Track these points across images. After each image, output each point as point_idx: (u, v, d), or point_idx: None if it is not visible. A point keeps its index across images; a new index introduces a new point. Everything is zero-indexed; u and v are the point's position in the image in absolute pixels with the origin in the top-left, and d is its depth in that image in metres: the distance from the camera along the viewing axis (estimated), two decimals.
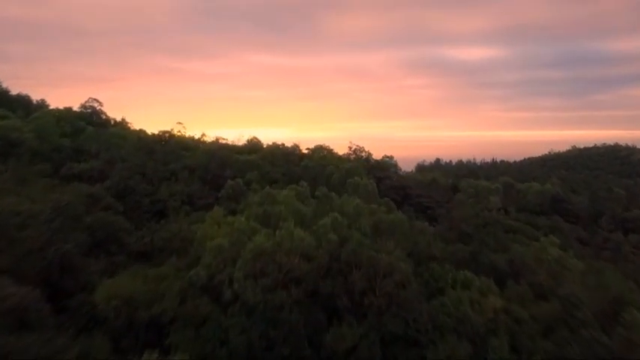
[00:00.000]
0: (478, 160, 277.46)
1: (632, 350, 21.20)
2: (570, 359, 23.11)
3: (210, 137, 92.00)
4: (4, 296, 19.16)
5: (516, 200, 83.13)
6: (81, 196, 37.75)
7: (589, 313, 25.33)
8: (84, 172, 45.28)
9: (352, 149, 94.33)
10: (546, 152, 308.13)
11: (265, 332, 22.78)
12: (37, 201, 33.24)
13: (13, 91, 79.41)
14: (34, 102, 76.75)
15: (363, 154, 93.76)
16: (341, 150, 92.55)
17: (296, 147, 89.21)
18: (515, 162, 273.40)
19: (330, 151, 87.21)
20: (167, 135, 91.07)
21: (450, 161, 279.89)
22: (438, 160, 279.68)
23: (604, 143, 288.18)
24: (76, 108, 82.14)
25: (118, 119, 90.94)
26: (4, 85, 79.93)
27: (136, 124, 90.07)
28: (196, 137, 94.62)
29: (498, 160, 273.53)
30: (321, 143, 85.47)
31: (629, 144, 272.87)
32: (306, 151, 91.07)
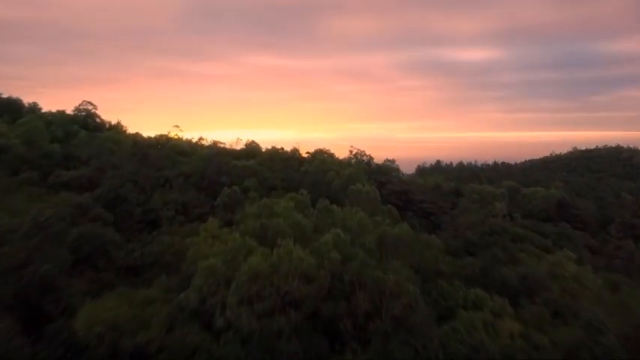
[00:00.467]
0: (479, 162, 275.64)
1: None
2: None
3: (208, 141, 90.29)
4: None
5: (521, 206, 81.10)
6: (67, 207, 35.67)
7: (614, 338, 23.28)
8: (73, 180, 43.17)
9: (353, 153, 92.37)
10: (547, 154, 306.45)
11: None
12: (19, 213, 31.19)
13: (13, 94, 77.42)
14: (26, 105, 74.62)
15: (364, 158, 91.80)
16: (341, 152, 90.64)
17: (295, 151, 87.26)
18: (516, 164, 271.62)
19: (330, 155, 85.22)
20: (164, 138, 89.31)
21: (451, 163, 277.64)
22: (438, 162, 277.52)
23: (605, 145, 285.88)
24: (69, 111, 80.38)
25: (114, 122, 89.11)
26: None
27: (135, 125, 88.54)
28: (194, 141, 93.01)
29: (499, 162, 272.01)
30: (321, 144, 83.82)
31: (631, 145, 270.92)
32: (306, 155, 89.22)
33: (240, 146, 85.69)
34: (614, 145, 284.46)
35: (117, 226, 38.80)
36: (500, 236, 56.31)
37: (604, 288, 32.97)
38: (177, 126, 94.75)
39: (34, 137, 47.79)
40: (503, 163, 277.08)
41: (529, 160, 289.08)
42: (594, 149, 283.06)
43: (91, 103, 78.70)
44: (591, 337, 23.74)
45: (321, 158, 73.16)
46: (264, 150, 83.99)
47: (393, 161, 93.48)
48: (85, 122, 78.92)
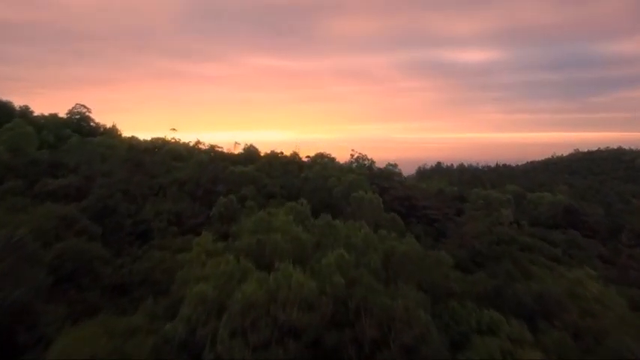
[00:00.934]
0: (479, 164, 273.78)
1: None
2: None
3: (205, 144, 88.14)
4: None
5: (527, 212, 78.89)
6: (51, 219, 33.36)
7: None
8: (60, 189, 40.87)
9: (354, 157, 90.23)
10: (548, 155, 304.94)
11: None
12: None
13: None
14: (18, 109, 72.35)
15: (366, 162, 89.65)
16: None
17: (295, 155, 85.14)
18: (517, 166, 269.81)
19: (331, 160, 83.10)
20: (160, 142, 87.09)
21: (452, 165, 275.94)
22: (439, 164, 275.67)
23: (607, 147, 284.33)
24: (63, 114, 78.17)
25: (109, 125, 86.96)
26: None
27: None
28: (191, 144, 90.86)
29: (501, 163, 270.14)
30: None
31: (632, 147, 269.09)
32: (306, 159, 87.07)
33: (238, 150, 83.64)
34: (615, 147, 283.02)
35: (105, 238, 36.56)
36: (509, 246, 54.10)
37: (626, 307, 30.78)
38: (174, 129, 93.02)
39: (20, 143, 45.51)
40: (504, 165, 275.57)
41: (530, 162, 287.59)
42: (596, 151, 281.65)
43: (85, 106, 76.54)
44: None
45: (322, 163, 70.88)
46: (263, 154, 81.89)
47: (395, 165, 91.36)
48: (79, 126, 76.78)
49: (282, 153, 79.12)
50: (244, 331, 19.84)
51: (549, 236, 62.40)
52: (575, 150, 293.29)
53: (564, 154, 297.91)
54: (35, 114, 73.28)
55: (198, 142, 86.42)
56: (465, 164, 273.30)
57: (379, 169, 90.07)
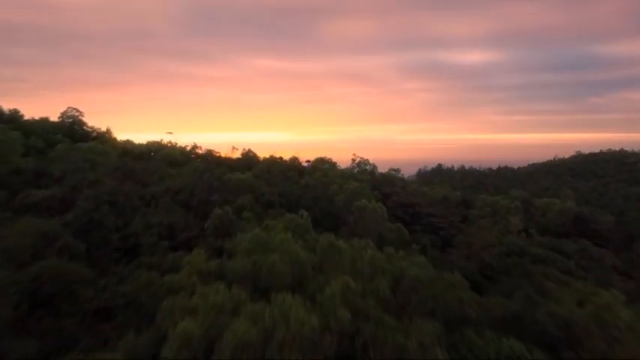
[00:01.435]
0: (480, 166, 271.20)
1: None
2: None
3: (202, 148, 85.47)
4: None
5: (535, 219, 76.16)
6: (29, 236, 30.69)
7: None
8: (44, 200, 38.20)
9: (356, 161, 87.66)
10: (549, 157, 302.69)
11: None
12: None
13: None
14: (7, 112, 69.64)
15: (368, 166, 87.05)
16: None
17: (295, 159, 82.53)
18: (519, 168, 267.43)
19: (332, 165, 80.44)
20: (155, 146, 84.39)
21: (452, 166, 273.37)
22: (439, 166, 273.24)
23: (609, 149, 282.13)
24: (55, 118, 75.53)
25: (104, 129, 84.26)
26: None
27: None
28: (188, 148, 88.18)
29: (502, 166, 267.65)
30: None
31: (634, 149, 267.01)
32: (306, 164, 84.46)
33: (236, 155, 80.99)
34: (617, 149, 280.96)
35: (89, 255, 33.89)
36: (520, 258, 51.46)
37: None
38: (170, 132, 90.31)
39: (3, 150, 42.81)
40: (506, 167, 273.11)
41: (532, 165, 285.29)
42: (598, 153, 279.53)
43: (77, 109, 73.79)
44: None
45: (323, 169, 68.18)
46: (262, 159, 79.25)
47: (397, 170, 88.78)
48: (72, 130, 74.01)
49: (281, 158, 76.48)
50: None
51: (560, 246, 59.64)
52: (576, 152, 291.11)
53: (566, 156, 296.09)
54: (26, 118, 70.76)
55: (195, 147, 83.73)
56: (466, 166, 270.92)
57: (381, 173, 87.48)
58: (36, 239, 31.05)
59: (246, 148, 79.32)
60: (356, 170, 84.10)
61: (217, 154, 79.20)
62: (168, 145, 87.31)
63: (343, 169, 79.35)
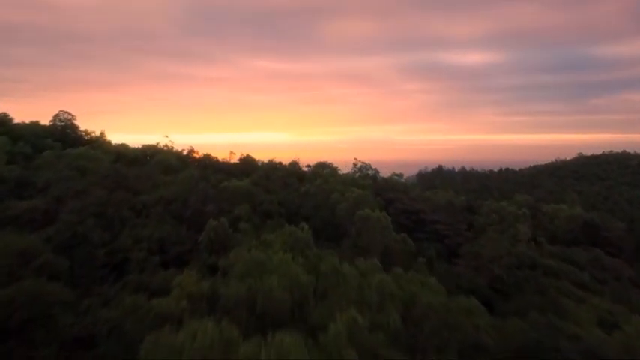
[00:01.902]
0: (481, 167, 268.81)
1: None
2: None
3: (199, 153, 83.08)
4: None
5: (543, 226, 73.59)
6: (6, 254, 28.15)
7: None
8: (26, 213, 35.66)
9: (357, 166, 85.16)
10: (549, 157, 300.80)
11: None
12: None
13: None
14: None
15: (370, 171, 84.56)
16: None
17: (295, 164, 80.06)
18: (521, 170, 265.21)
19: (333, 170, 77.94)
20: (151, 150, 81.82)
21: (453, 168, 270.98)
22: (440, 168, 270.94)
23: (611, 151, 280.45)
24: (46, 122, 73.05)
25: (98, 132, 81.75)
26: None
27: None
28: (185, 152, 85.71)
29: (504, 168, 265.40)
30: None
31: (634, 150, 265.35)
32: (306, 169, 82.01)
33: (234, 159, 78.47)
34: (619, 151, 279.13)
35: (73, 273, 31.36)
36: (532, 270, 48.97)
37: None
38: (167, 136, 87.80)
39: None
40: (507, 169, 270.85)
41: (534, 167, 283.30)
42: (600, 155, 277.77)
43: (69, 113, 71.26)
44: None
45: (323, 175, 65.64)
46: (260, 164, 76.75)
47: (400, 175, 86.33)
48: (64, 134, 71.59)
49: (280, 163, 73.98)
50: None
51: (571, 256, 57.11)
52: (578, 154, 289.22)
53: (568, 158, 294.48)
54: (16, 121, 68.28)
55: (191, 151, 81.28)
56: (467, 168, 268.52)
57: (383, 178, 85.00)
58: (13, 257, 28.49)
59: (245, 153, 76.82)
60: (357, 175, 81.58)
61: (215, 159, 76.72)
62: (165, 149, 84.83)
63: (345, 175, 76.85)
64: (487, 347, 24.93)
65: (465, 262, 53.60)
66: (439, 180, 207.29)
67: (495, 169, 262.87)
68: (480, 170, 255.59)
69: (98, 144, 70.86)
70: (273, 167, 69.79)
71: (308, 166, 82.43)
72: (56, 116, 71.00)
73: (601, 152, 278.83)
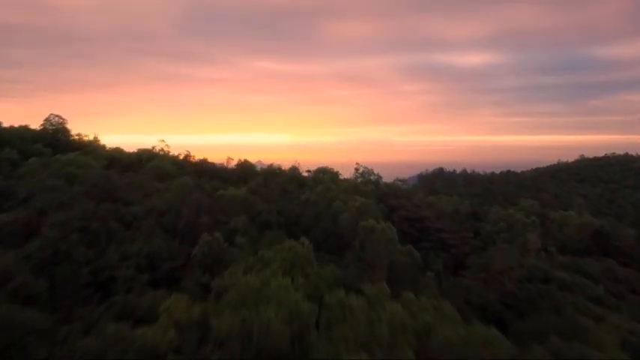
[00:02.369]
0: (482, 168, 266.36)
1: None
2: None
3: (195, 157, 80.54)
4: None
5: (552, 234, 71.09)
6: None
7: None
8: (5, 226, 33.08)
9: (359, 170, 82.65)
10: (553, 161, 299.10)
11: None
12: None
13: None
14: None
15: (372, 176, 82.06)
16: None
17: (295, 169, 77.60)
18: (523, 172, 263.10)
19: (334, 175, 75.38)
20: (146, 154, 79.28)
21: (454, 170, 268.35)
22: (441, 170, 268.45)
23: (613, 153, 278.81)
24: (37, 126, 70.48)
25: (95, 134, 79.29)
26: None
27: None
28: (181, 156, 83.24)
29: (504, 169, 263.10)
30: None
31: (636, 152, 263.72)
32: (306, 174, 79.56)
33: (232, 164, 75.96)
34: (621, 153, 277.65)
35: (53, 294, 28.81)
36: (546, 284, 46.41)
37: None
38: (163, 140, 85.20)
39: None
40: (509, 171, 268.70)
41: (536, 169, 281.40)
42: (602, 157, 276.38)
43: (60, 116, 68.68)
44: None
45: (324, 182, 63.07)
46: (259, 169, 74.25)
47: (404, 181, 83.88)
48: (55, 139, 68.98)
49: (280, 168, 71.46)
50: None
51: (585, 268, 54.55)
52: (580, 155, 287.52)
53: (569, 160, 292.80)
54: (4, 125, 65.70)
55: (188, 155, 78.73)
56: (468, 170, 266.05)
57: (386, 184, 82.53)
58: None
59: (242, 158, 74.22)
60: (359, 180, 79.05)
61: (212, 164, 74.19)
62: (160, 153, 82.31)
63: (346, 181, 74.28)
64: None
65: (473, 274, 51.12)
66: (440, 182, 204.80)
67: (497, 171, 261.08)
68: (481, 173, 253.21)
69: (91, 148, 68.32)
70: (272, 173, 67.26)
71: (308, 171, 79.99)
72: (47, 120, 68.42)
73: (603, 154, 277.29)
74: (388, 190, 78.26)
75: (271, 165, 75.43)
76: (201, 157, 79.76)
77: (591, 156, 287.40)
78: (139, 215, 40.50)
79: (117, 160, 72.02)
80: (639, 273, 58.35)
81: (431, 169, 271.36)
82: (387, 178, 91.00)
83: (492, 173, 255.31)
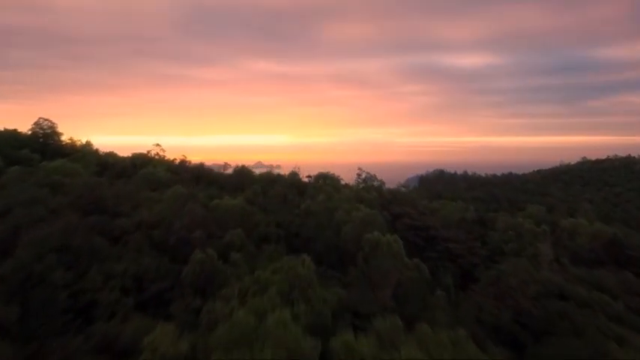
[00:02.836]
0: (483, 169, 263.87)
1: None
2: None
3: (191, 162, 77.74)
4: None
5: (563, 243, 68.18)
6: None
7: None
8: None
9: (362, 177, 79.89)
10: (554, 162, 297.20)
11: None
12: None
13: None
14: None
15: (375, 182, 79.29)
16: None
17: (294, 175, 74.76)
18: (524, 175, 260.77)
19: (336, 182, 72.54)
20: (141, 159, 76.41)
21: (455, 172, 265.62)
22: (441, 172, 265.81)
23: (615, 155, 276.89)
24: (26, 130, 67.62)
25: (87, 138, 76.42)
26: None
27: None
28: (177, 161, 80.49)
29: (506, 170, 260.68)
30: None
31: (638, 154, 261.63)
32: (307, 179, 76.72)
33: (229, 170, 73.07)
34: (624, 155, 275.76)
35: (25, 323, 25.92)
36: (563, 301, 43.58)
37: None
38: (158, 144, 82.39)
39: None
40: (510, 173, 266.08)
41: (538, 171, 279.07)
42: (605, 159, 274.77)
43: (50, 120, 65.82)
44: None
45: (326, 190, 60.21)
46: (257, 175, 71.39)
47: (407, 187, 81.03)
48: (45, 144, 66.13)
49: (279, 174, 68.61)
50: None
51: (601, 281, 51.62)
52: (582, 158, 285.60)
53: (571, 162, 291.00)
54: None
55: (184, 160, 75.89)
56: (469, 171, 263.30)
57: (389, 190, 79.75)
58: None
59: (240, 164, 71.31)
60: (362, 186, 76.24)
61: (208, 169, 71.35)
62: (156, 157, 79.51)
63: (348, 188, 71.45)
64: None
65: (483, 289, 48.25)
66: (442, 185, 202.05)
67: (498, 173, 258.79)
68: (482, 175, 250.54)
69: (82, 154, 65.42)
70: (270, 180, 64.40)
71: (309, 176, 77.14)
72: (36, 124, 65.56)
73: (605, 156, 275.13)
74: (392, 197, 75.51)
75: (270, 168, 72.58)
76: (198, 161, 77.02)
77: (593, 157, 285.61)
78: (126, 229, 37.62)
79: (110, 165, 69.23)
80: None
81: (431, 169, 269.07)
82: (387, 178, 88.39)
83: (494, 175, 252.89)
